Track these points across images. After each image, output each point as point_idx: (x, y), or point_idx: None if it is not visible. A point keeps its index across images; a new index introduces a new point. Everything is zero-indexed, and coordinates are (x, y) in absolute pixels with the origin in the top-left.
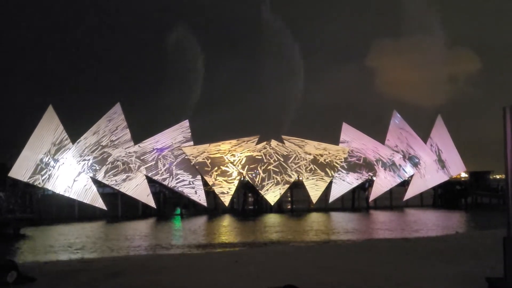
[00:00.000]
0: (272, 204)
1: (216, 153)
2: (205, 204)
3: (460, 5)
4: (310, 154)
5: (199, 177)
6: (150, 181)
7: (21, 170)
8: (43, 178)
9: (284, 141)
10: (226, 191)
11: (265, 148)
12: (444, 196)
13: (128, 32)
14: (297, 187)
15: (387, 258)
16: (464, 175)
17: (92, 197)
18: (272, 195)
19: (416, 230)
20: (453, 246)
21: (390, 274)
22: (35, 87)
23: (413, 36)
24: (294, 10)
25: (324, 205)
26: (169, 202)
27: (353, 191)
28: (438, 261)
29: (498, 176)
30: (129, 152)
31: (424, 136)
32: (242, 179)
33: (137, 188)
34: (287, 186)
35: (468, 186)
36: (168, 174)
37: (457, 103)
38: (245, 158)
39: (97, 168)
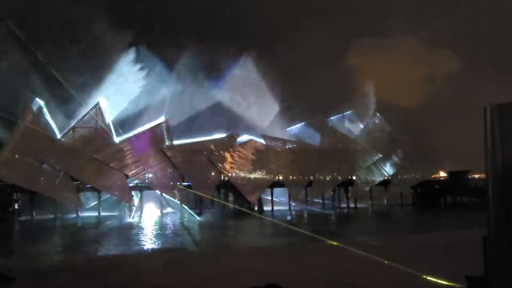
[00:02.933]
0: (252, 203)
1: (196, 151)
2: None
3: (438, 4)
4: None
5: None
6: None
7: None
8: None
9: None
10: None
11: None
12: (423, 196)
13: None
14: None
15: None
16: (443, 174)
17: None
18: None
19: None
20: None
21: None
22: None
23: (392, 36)
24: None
25: (306, 204)
26: None
27: (333, 190)
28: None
29: (476, 176)
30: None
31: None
32: (222, 177)
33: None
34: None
35: (447, 185)
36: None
37: (435, 103)
38: (226, 155)
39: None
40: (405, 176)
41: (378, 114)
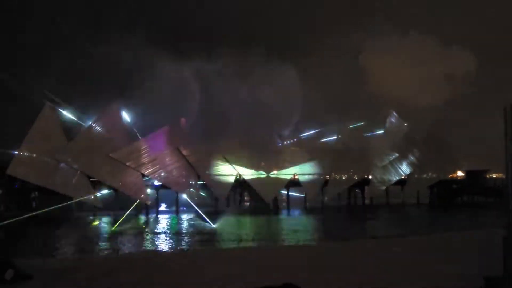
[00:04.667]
0: (268, 202)
1: (212, 152)
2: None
3: (454, 2)
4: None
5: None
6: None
7: (18, 168)
8: (40, 175)
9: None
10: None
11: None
12: (439, 195)
13: None
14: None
15: None
16: (460, 174)
17: (89, 194)
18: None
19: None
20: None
21: None
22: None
23: (408, 35)
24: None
25: (321, 204)
26: None
27: (349, 189)
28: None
29: (494, 175)
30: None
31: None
32: (238, 177)
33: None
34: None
35: (464, 185)
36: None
37: (453, 102)
38: (241, 156)
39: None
40: (421, 176)
41: (395, 114)
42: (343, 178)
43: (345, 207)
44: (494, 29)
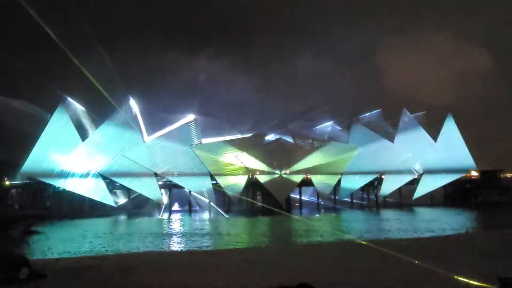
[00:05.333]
0: (280, 201)
1: (225, 151)
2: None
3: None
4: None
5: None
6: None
7: (32, 167)
8: (54, 175)
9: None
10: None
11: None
12: (453, 194)
13: None
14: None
15: None
16: (474, 173)
17: (103, 194)
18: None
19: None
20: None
21: None
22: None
23: (422, 33)
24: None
25: (333, 203)
26: None
27: (362, 189)
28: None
29: (509, 175)
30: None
31: (434, 134)
32: (250, 176)
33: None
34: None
35: (478, 184)
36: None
37: (467, 101)
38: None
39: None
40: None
41: (408, 113)
42: (356, 177)
43: (359, 206)
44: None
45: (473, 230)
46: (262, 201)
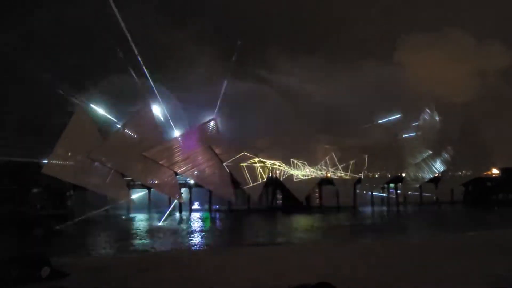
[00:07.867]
0: (300, 200)
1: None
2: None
3: None
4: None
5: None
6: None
7: (53, 167)
8: (75, 174)
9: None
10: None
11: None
12: (474, 193)
13: None
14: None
15: None
16: (495, 171)
17: (124, 194)
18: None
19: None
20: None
21: None
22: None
23: (442, 30)
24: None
25: (353, 202)
26: None
27: (382, 187)
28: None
29: None
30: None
31: (454, 131)
32: (270, 175)
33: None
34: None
35: (499, 182)
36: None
37: (488, 99)
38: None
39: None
40: (456, 173)
41: (428, 111)
42: (376, 176)
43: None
44: None
45: None
46: (282, 199)
